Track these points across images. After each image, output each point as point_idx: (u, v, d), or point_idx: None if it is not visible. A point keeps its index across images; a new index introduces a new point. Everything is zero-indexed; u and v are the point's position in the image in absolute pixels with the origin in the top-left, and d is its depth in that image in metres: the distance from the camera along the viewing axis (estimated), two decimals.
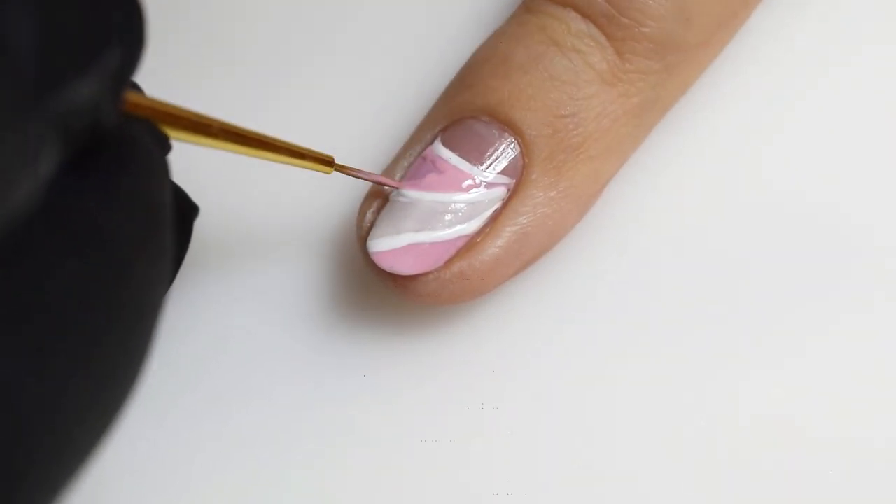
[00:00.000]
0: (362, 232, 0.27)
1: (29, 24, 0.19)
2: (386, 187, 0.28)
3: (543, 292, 0.29)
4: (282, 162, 0.25)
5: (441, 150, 0.27)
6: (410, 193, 0.27)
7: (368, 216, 0.27)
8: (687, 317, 0.28)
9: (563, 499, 0.27)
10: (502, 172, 0.27)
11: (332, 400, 0.28)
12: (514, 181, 0.27)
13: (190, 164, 0.30)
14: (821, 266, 0.29)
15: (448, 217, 0.27)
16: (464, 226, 0.27)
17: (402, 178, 0.27)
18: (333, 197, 0.30)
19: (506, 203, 0.27)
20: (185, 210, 0.27)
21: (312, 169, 0.26)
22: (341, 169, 0.27)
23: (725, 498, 0.27)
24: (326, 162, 0.26)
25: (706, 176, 0.30)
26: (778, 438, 0.27)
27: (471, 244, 0.27)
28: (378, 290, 0.29)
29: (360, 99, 0.31)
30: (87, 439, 0.21)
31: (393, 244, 0.27)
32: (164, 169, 0.23)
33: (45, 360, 0.19)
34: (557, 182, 0.27)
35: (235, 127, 0.24)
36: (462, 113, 0.27)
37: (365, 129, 0.30)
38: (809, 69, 0.30)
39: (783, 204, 0.29)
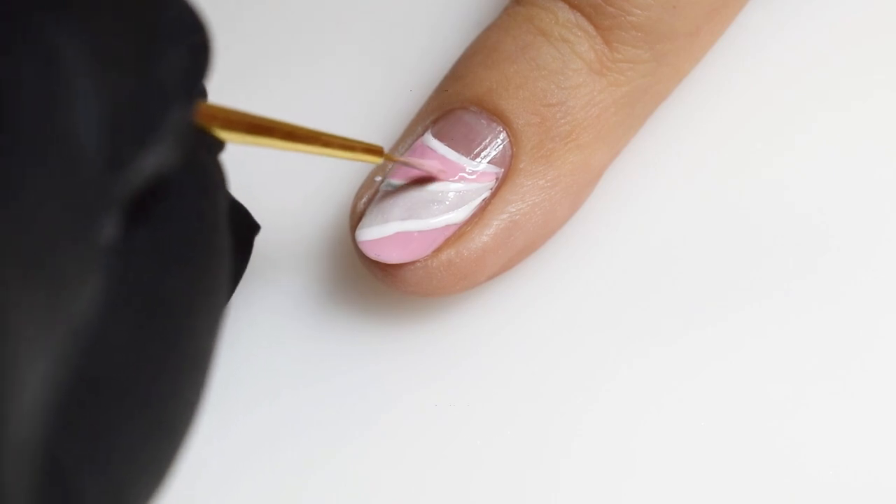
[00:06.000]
0: (353, 222, 0.27)
1: (91, 111, 0.18)
2: (377, 178, 0.28)
3: (536, 287, 0.29)
4: (332, 156, 0.25)
5: (430, 141, 0.27)
6: (398, 183, 0.27)
7: (360, 206, 0.28)
8: (683, 310, 0.28)
9: (557, 491, 0.27)
10: (491, 162, 0.27)
11: (325, 393, 0.28)
12: (503, 170, 0.27)
13: None
14: (818, 258, 0.28)
15: (436, 206, 0.27)
16: (452, 214, 0.27)
17: (392, 169, 0.28)
18: (331, 191, 0.30)
19: (494, 192, 0.27)
20: (245, 230, 0.27)
21: (362, 160, 0.26)
22: (389, 157, 0.26)
23: (721, 496, 0.27)
24: (376, 151, 0.26)
25: (702, 169, 0.29)
26: (777, 437, 0.27)
27: (459, 233, 0.27)
28: (373, 286, 0.29)
29: (358, 96, 0.31)
30: (144, 492, 0.21)
31: (380, 233, 0.27)
32: (221, 201, 0.22)
33: (104, 436, 0.19)
34: (546, 171, 0.27)
35: (287, 124, 0.24)
36: (452, 104, 0.28)
37: (363, 126, 0.31)
38: (807, 63, 0.30)
39: (780, 198, 0.29)
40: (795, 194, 0.29)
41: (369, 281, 0.28)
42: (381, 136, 0.30)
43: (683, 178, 0.29)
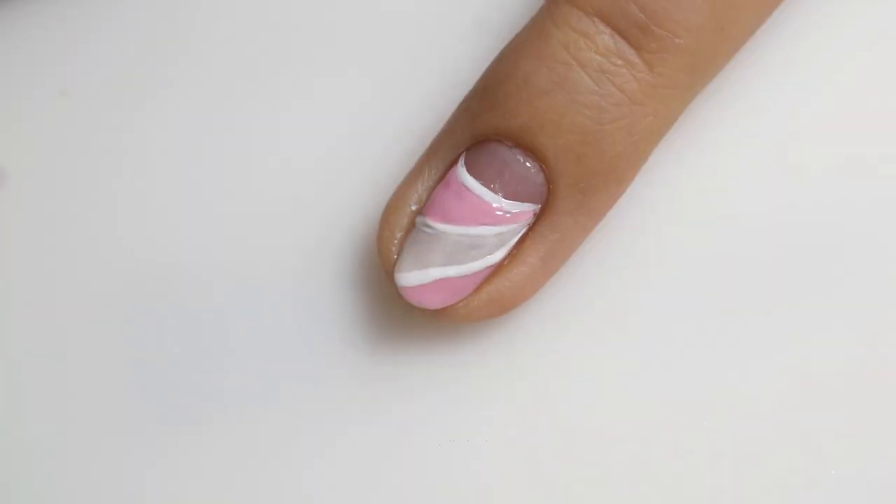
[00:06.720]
0: (388, 260, 0.27)
1: None
2: (412, 206, 0.27)
3: (554, 293, 0.29)
4: None
5: (465, 178, 0.26)
6: (436, 225, 0.27)
7: (394, 244, 0.27)
8: (691, 316, 0.29)
9: (572, 498, 0.28)
10: (527, 199, 0.26)
11: (350, 410, 0.29)
12: (539, 207, 0.27)
13: (204, 177, 0.30)
14: (827, 268, 0.28)
15: (475, 251, 0.26)
16: (491, 256, 0.27)
17: (426, 204, 0.27)
18: (350, 205, 0.30)
19: (532, 228, 0.27)
20: None
21: None
22: None
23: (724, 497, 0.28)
24: None
25: (709, 176, 0.29)
26: (785, 439, 0.28)
27: (498, 268, 0.27)
28: (395, 300, 0.29)
29: (366, 101, 0.30)
30: None
31: (421, 279, 0.27)
32: None
33: None
34: (582, 207, 0.27)
35: None
36: (484, 135, 0.26)
37: (371, 131, 0.30)
38: (819, 69, 0.29)
39: (785, 205, 0.29)
40: (804, 199, 0.29)
41: (389, 289, 0.28)
42: (387, 142, 0.30)
43: (684, 180, 0.29)
